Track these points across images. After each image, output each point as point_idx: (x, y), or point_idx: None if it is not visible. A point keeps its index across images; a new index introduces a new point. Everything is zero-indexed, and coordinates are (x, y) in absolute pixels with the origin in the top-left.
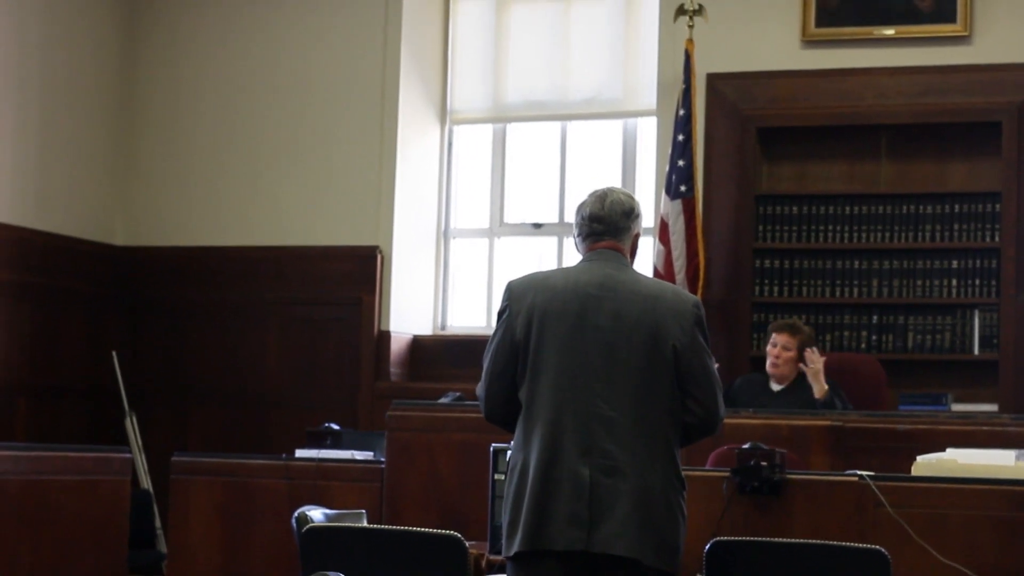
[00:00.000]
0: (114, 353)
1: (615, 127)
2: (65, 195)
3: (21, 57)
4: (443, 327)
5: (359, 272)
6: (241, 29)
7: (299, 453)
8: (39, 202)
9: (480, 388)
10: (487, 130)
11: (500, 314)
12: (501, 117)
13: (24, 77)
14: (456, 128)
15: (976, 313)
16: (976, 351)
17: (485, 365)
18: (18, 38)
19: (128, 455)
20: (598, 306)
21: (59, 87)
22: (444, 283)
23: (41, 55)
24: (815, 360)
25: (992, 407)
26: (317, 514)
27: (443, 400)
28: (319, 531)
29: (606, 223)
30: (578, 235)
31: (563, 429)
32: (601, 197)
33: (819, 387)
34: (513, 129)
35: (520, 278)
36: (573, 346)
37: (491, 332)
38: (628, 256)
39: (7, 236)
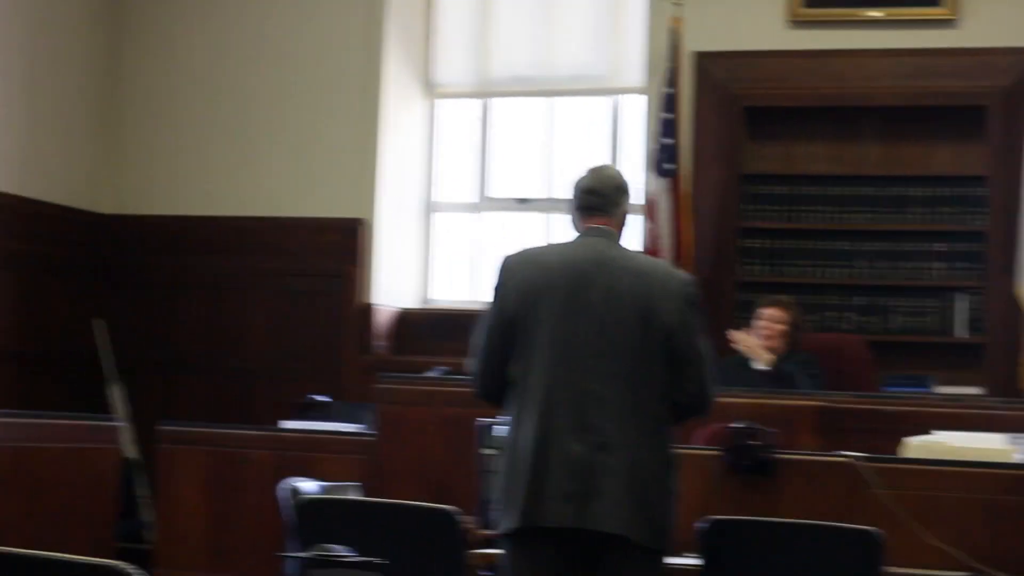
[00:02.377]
0: (99, 322)
1: (603, 104)
2: (52, 162)
3: (7, 23)
4: (426, 300)
5: (343, 244)
6: (229, 1)
7: (283, 424)
8: (25, 169)
9: (472, 364)
10: (472, 105)
11: (495, 291)
12: (486, 92)
13: (10, 43)
14: (440, 102)
15: (961, 296)
16: (960, 334)
17: (478, 341)
18: (4, 3)
19: (117, 424)
20: (591, 283)
21: (46, 53)
22: (427, 257)
23: (28, 21)
24: (737, 338)
25: (975, 390)
26: (311, 486)
27: (431, 374)
28: (315, 503)
29: (601, 195)
30: (573, 208)
31: (556, 406)
32: (597, 171)
33: (763, 359)
34: (498, 104)
35: (514, 254)
36: (566, 323)
37: (475, 306)
38: (619, 233)
39: None
